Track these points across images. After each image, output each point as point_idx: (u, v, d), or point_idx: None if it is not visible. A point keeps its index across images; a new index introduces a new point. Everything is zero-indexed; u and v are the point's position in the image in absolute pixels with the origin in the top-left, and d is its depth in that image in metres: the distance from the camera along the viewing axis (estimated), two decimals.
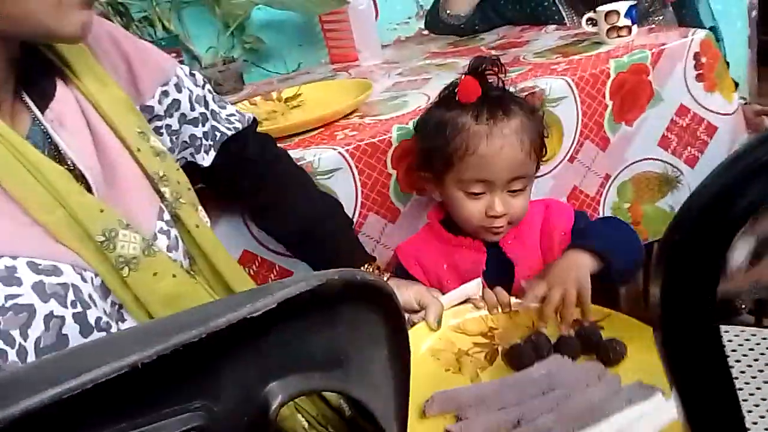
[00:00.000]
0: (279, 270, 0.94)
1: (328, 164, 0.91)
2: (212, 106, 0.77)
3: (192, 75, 0.74)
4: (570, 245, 0.85)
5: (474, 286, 0.86)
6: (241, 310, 0.21)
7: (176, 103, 0.70)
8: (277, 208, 0.83)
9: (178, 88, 0.71)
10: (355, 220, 0.94)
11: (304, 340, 0.25)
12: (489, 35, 1.55)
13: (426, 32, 1.87)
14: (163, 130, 0.70)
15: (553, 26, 1.46)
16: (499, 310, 0.83)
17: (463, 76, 0.87)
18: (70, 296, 0.47)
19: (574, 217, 0.92)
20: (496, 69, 0.87)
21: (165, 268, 0.53)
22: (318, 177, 0.90)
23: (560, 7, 1.54)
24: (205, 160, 0.77)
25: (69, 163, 0.54)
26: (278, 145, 0.89)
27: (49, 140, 0.54)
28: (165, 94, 0.69)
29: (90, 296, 0.49)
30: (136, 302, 0.52)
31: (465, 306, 0.85)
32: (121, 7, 1.41)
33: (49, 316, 0.45)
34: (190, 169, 0.73)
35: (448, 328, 0.81)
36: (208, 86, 0.77)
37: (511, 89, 0.91)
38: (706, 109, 1.11)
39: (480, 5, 1.55)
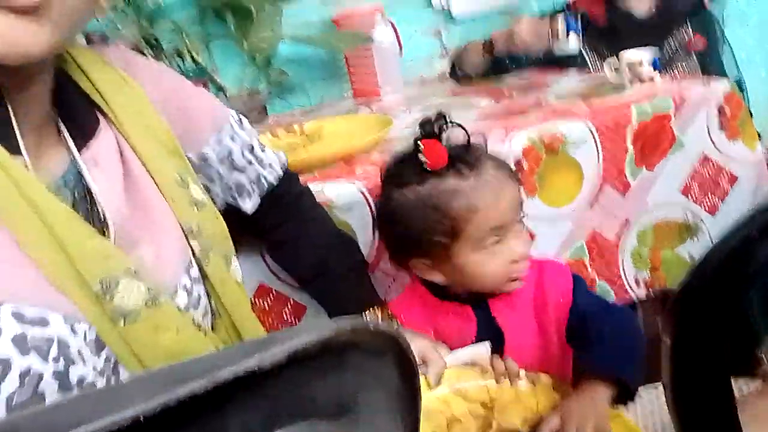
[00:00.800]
0: (293, 304, 0.93)
1: (347, 199, 0.91)
2: (258, 152, 0.77)
3: (240, 121, 0.75)
4: (585, 372, 0.75)
5: (483, 350, 0.78)
6: (249, 361, 0.21)
7: (228, 151, 0.71)
8: (294, 244, 0.83)
9: (231, 136, 0.71)
10: (371, 255, 0.94)
11: (312, 387, 0.25)
12: (511, 77, 1.56)
13: (447, 71, 1.90)
14: (214, 177, 0.71)
15: (574, 69, 1.47)
16: (506, 380, 0.75)
17: (419, 142, 0.77)
18: (53, 351, 0.43)
19: (572, 281, 0.84)
20: (446, 123, 0.78)
21: (168, 322, 0.51)
22: (336, 211, 0.91)
23: (584, 51, 1.55)
24: (248, 205, 0.77)
25: (98, 205, 0.52)
26: (299, 178, 0.90)
27: (83, 181, 0.53)
28: (218, 142, 0.69)
29: (79, 352, 0.45)
30: (133, 357, 0.48)
31: (470, 369, 0.77)
32: (153, 39, 1.45)
33: (25, 372, 0.42)
34: (227, 210, 0.73)
35: (448, 389, 0.74)
36: (255, 132, 0.77)
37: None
38: (728, 157, 1.10)
39: (496, 57, 1.56)
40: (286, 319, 0.94)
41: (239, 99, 1.59)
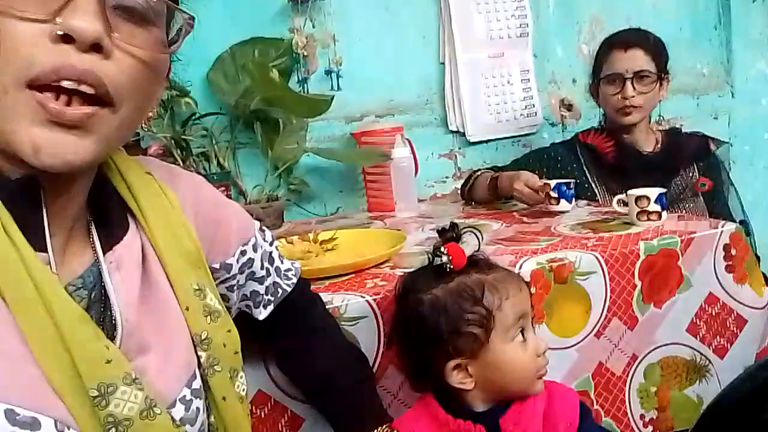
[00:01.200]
0: (290, 416, 0.91)
1: (355, 311, 0.92)
2: (276, 262, 0.78)
3: (263, 231, 0.77)
4: None
5: None
6: None
7: (250, 261, 0.72)
8: (302, 354, 0.82)
9: (255, 247, 0.73)
10: (375, 369, 0.93)
11: None
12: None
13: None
14: (234, 287, 0.72)
15: (584, 201, 1.52)
16: None
17: (443, 247, 0.83)
18: None
19: (579, 407, 0.87)
20: (455, 232, 0.86)
21: None
22: (343, 323, 0.91)
23: (593, 184, 1.61)
24: (262, 314, 0.78)
25: (112, 308, 0.53)
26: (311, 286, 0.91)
27: (102, 282, 0.53)
28: (243, 253, 0.71)
29: None
30: None
31: None
32: (183, 142, 1.53)
33: None
34: (236, 317, 0.72)
35: None
36: (275, 243, 0.80)
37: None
38: (735, 300, 1.10)
39: (561, 161, 1.63)
40: (281, 430, 0.91)
41: (258, 204, 1.64)
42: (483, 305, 0.80)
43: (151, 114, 1.36)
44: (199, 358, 0.57)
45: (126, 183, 0.58)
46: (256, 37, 1.67)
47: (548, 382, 0.92)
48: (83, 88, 0.44)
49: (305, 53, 1.77)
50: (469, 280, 0.82)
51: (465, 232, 0.86)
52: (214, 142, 1.64)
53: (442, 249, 0.83)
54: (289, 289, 0.80)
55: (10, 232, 0.46)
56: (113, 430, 0.47)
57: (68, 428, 0.45)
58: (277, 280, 0.78)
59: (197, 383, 0.57)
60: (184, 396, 0.55)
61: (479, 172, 1.70)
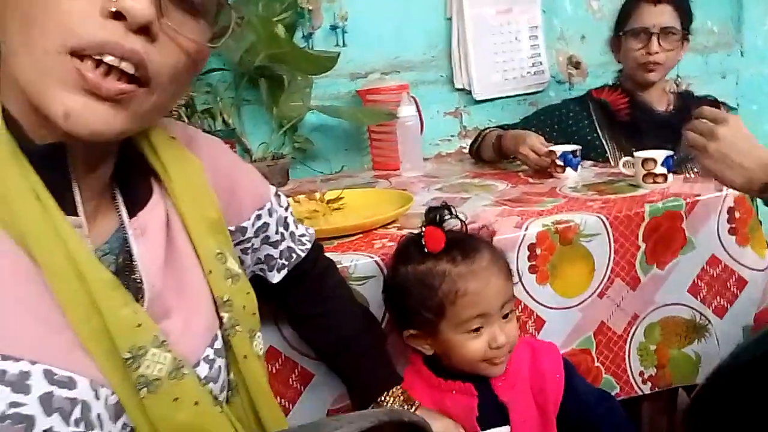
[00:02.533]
0: (300, 371, 0.94)
1: (364, 271, 0.94)
2: (291, 227, 0.79)
3: (278, 196, 0.78)
4: None
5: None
6: None
7: (266, 226, 0.74)
8: (318, 320, 0.84)
9: (270, 212, 0.74)
10: (383, 326, 0.96)
11: None
12: None
13: (467, 150, 1.96)
14: (248, 250, 0.73)
15: (590, 162, 1.52)
16: None
17: (423, 228, 0.87)
18: (76, 413, 0.45)
19: (563, 364, 0.92)
20: (450, 213, 0.88)
21: (188, 395, 0.52)
22: (352, 282, 0.93)
23: (604, 142, 1.61)
24: (275, 278, 0.79)
25: (138, 272, 0.54)
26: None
27: (127, 247, 0.55)
28: (258, 217, 0.72)
29: (98, 416, 0.46)
30: (150, 427, 0.49)
31: None
32: (188, 99, 1.52)
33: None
34: (251, 279, 0.73)
35: None
36: (290, 208, 0.80)
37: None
38: (737, 262, 1.12)
39: (572, 119, 1.62)
40: (291, 384, 0.94)
41: (264, 162, 1.64)
42: (437, 296, 0.83)
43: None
44: (221, 319, 0.59)
45: (152, 147, 0.59)
46: None
47: (529, 338, 0.99)
48: (124, 65, 0.45)
49: (310, 8, 1.73)
50: (437, 267, 0.84)
51: (449, 217, 0.87)
52: (218, 99, 1.63)
53: (415, 234, 0.87)
54: (303, 254, 0.81)
55: (42, 197, 0.47)
56: (144, 389, 0.48)
57: (102, 387, 0.47)
58: (291, 245, 0.79)
59: (219, 343, 0.59)
60: (207, 356, 0.57)
61: (487, 131, 1.69)
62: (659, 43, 1.51)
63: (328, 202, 1.27)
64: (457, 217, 0.88)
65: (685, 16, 1.56)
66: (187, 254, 0.58)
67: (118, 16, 0.44)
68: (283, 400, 0.93)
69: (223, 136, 1.62)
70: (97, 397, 0.46)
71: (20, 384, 0.42)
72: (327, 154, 1.84)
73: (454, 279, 0.83)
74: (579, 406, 0.91)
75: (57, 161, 0.49)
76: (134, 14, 0.44)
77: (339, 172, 1.83)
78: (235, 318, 0.60)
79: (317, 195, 1.29)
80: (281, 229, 0.77)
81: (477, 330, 0.84)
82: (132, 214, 0.56)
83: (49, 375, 0.44)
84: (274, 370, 0.93)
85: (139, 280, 0.54)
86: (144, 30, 0.45)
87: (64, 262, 0.46)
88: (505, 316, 0.86)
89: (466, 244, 0.86)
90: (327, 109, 1.65)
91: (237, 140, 1.68)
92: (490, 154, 1.62)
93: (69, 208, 0.50)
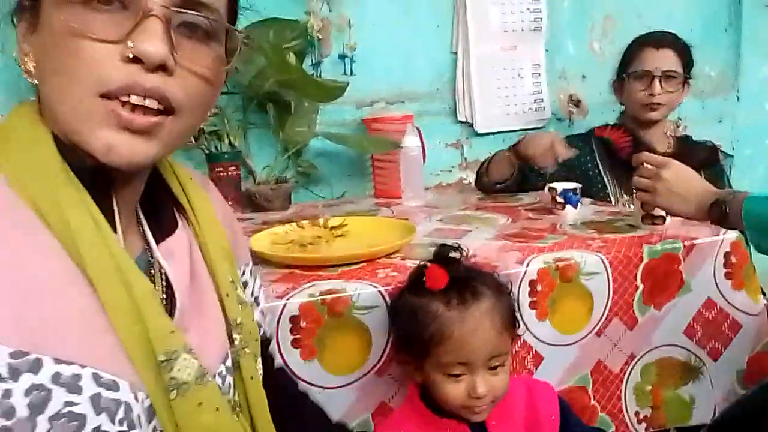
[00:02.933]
0: None
1: (367, 301, 0.95)
2: (262, 304, 0.81)
3: (252, 273, 0.80)
4: None
5: None
6: None
7: (246, 284, 0.76)
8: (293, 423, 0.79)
9: (251, 273, 0.78)
10: (384, 359, 0.97)
11: None
12: (528, 196, 1.64)
13: (467, 181, 1.99)
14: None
15: (589, 200, 1.54)
16: None
17: (429, 263, 0.88)
18: (120, 414, 0.48)
19: (559, 404, 0.93)
20: (459, 254, 0.90)
21: (211, 400, 0.55)
22: (356, 312, 0.94)
23: (605, 178, 1.64)
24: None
25: (171, 288, 0.58)
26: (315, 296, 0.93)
27: (150, 269, 0.58)
28: (243, 272, 0.75)
29: (138, 417, 0.50)
30: (175, 430, 0.52)
31: None
32: None
33: (96, 430, 0.46)
34: None
35: None
36: (263, 288, 0.83)
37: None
38: (732, 305, 1.14)
39: (522, 168, 1.63)
40: None
41: (267, 185, 1.66)
42: (425, 334, 0.85)
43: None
44: (233, 340, 0.62)
45: (180, 182, 0.64)
46: (272, 18, 1.67)
47: (525, 378, 1.00)
48: (148, 102, 0.50)
49: (320, 37, 1.77)
50: (431, 305, 0.86)
51: (453, 254, 0.91)
52: (225, 121, 1.65)
53: (426, 266, 0.89)
54: (267, 336, 0.81)
55: (91, 211, 0.51)
56: (174, 392, 0.52)
57: (139, 391, 0.50)
58: (260, 317, 0.79)
59: (229, 362, 0.61)
60: (221, 371, 0.60)
61: (495, 152, 1.71)
62: (661, 86, 1.56)
63: (332, 228, 1.29)
64: (472, 264, 0.91)
65: (686, 61, 1.62)
66: (206, 279, 0.62)
67: (135, 60, 0.49)
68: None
69: (228, 158, 1.64)
70: (137, 399, 0.50)
71: (73, 385, 0.46)
72: (330, 180, 1.86)
73: (443, 322, 0.84)
74: None
75: (101, 182, 0.53)
76: (149, 57, 0.49)
77: (341, 197, 1.85)
78: (245, 340, 0.64)
79: (321, 221, 1.31)
80: (254, 296, 0.78)
81: (458, 376, 0.85)
82: (159, 239, 0.59)
83: (96, 378, 0.47)
84: None
85: (164, 298, 0.57)
86: (161, 67, 0.50)
87: (112, 270, 0.50)
88: (493, 368, 0.86)
89: (467, 289, 0.86)
90: (333, 136, 1.68)
91: (242, 162, 1.70)
92: (502, 170, 1.62)
93: (111, 225, 0.53)
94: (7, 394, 0.43)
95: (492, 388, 0.86)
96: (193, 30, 0.52)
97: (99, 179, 0.53)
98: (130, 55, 0.48)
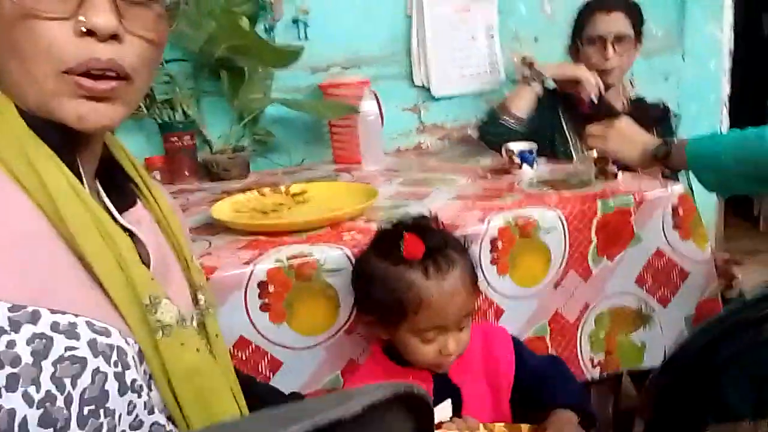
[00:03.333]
0: (270, 358, 0.96)
1: (334, 263, 0.96)
2: None
3: None
4: (556, 404, 0.94)
5: (446, 408, 0.89)
6: (338, 410, 0.26)
7: None
8: None
9: None
10: (352, 317, 0.99)
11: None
12: (484, 158, 1.67)
13: (425, 145, 2.01)
14: None
15: (544, 159, 1.58)
16: None
17: (404, 233, 0.89)
18: (114, 356, 0.51)
19: (513, 344, 0.99)
20: (435, 224, 0.94)
21: (192, 341, 0.59)
22: (324, 274, 0.96)
23: (567, 134, 1.69)
24: None
25: (144, 247, 0.60)
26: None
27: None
28: None
29: (133, 358, 0.53)
30: (162, 370, 0.56)
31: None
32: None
33: (96, 371, 0.50)
34: None
35: None
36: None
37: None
38: (680, 255, 1.20)
39: (539, 110, 1.68)
40: (261, 371, 0.97)
41: (224, 154, 1.64)
42: (402, 302, 0.87)
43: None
44: (198, 301, 0.66)
45: (132, 163, 0.68)
46: None
47: (483, 325, 1.05)
48: (108, 73, 0.54)
49: (271, 0, 1.74)
50: (408, 275, 0.88)
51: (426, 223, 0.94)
52: (177, 89, 1.62)
53: (404, 235, 0.89)
54: None
55: (64, 171, 0.53)
56: (160, 332, 0.55)
57: (128, 337, 0.54)
58: None
59: (195, 323, 0.64)
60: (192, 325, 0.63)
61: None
62: (614, 49, 1.59)
63: (293, 195, 1.29)
64: (442, 230, 0.94)
65: (637, 22, 1.65)
66: (167, 249, 0.66)
67: (89, 32, 0.52)
68: None
69: (183, 128, 1.61)
70: (127, 344, 0.53)
71: (71, 332, 0.49)
72: (287, 147, 1.84)
73: (422, 291, 0.87)
74: (532, 376, 0.97)
75: (66, 146, 0.56)
76: (101, 30, 0.52)
77: (300, 164, 1.84)
78: (208, 301, 0.68)
79: (282, 188, 1.31)
80: None
81: (432, 337, 0.90)
82: (120, 210, 0.61)
83: (90, 325, 0.51)
84: (244, 357, 0.95)
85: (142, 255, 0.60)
86: (113, 37, 0.53)
87: (91, 224, 0.53)
88: (461, 328, 0.91)
89: (442, 258, 0.89)
90: (289, 102, 1.66)
91: (197, 131, 1.67)
92: (526, 105, 1.65)
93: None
94: (11, 344, 0.46)
95: (460, 344, 0.91)
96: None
97: (64, 144, 0.56)
98: (84, 29, 0.51)
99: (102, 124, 0.55)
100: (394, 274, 0.88)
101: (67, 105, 0.53)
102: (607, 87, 1.66)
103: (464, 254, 0.93)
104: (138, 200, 0.66)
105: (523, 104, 1.65)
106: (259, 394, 0.83)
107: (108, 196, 0.62)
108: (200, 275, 0.69)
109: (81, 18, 0.51)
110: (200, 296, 0.66)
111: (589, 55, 1.64)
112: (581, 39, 1.66)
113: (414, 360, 0.92)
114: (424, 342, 0.90)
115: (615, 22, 1.61)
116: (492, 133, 1.66)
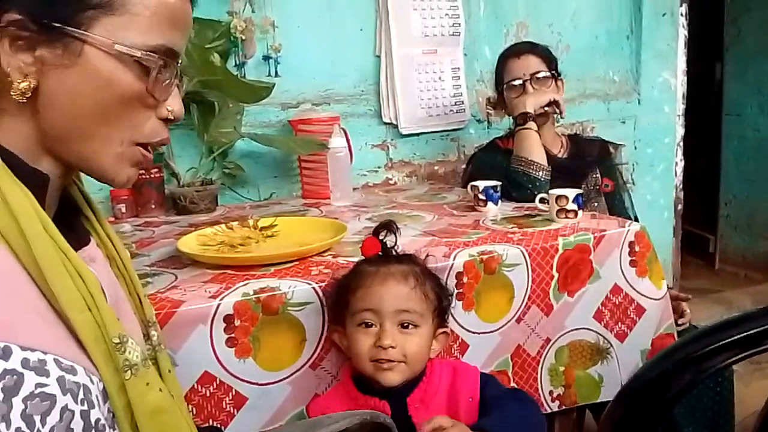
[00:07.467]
0: (235, 394, 0.96)
1: (302, 297, 0.97)
2: None
3: None
4: (477, 425, 0.90)
5: None
6: None
7: None
8: None
9: None
10: (318, 351, 1.00)
11: None
12: (450, 195, 1.71)
13: (393, 181, 2.04)
14: None
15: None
16: None
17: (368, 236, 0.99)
18: (81, 394, 0.51)
19: (480, 379, 0.99)
20: (394, 232, 1.00)
21: (155, 381, 0.60)
22: (290, 308, 0.96)
23: None
24: None
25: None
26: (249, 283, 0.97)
27: None
28: None
29: (96, 398, 0.54)
30: (126, 410, 0.56)
31: None
32: None
33: (64, 409, 0.49)
34: None
35: None
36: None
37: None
38: (636, 291, 1.24)
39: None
40: (225, 407, 0.96)
41: (192, 187, 1.64)
42: (347, 287, 0.95)
43: None
44: (152, 337, 0.68)
45: (89, 204, 0.70)
46: (194, 17, 1.64)
47: (454, 361, 1.06)
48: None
49: (243, 37, 1.77)
50: (358, 267, 0.97)
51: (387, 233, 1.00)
52: None
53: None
54: None
55: (36, 209, 0.54)
56: (128, 372, 0.56)
57: (93, 375, 0.54)
58: None
59: (149, 358, 0.66)
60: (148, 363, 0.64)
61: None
62: (533, 87, 1.65)
63: (261, 229, 1.29)
64: (394, 234, 1.00)
65: (550, 60, 1.70)
66: (120, 286, 0.68)
67: (168, 120, 0.61)
68: (215, 422, 0.94)
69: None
70: (92, 382, 0.53)
71: (41, 369, 0.49)
72: (256, 181, 1.86)
73: (362, 274, 0.95)
74: (486, 405, 0.95)
75: (36, 186, 0.57)
76: (179, 119, 0.62)
77: (268, 199, 1.85)
78: (159, 337, 0.69)
79: (250, 221, 1.31)
80: None
81: (369, 326, 0.93)
82: (75, 248, 0.62)
83: (58, 363, 0.51)
84: (208, 393, 0.94)
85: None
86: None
87: (60, 262, 0.54)
88: (405, 327, 0.93)
89: (392, 255, 0.98)
90: (260, 137, 1.68)
91: (164, 164, 1.67)
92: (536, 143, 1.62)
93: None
94: None
95: (400, 347, 0.92)
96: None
97: (42, 186, 0.58)
98: (170, 116, 0.61)
99: (129, 184, 0.63)
100: (350, 270, 0.98)
101: (126, 169, 0.61)
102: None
103: (419, 265, 0.98)
104: (90, 238, 0.67)
105: (536, 149, 1.61)
106: None
107: (63, 235, 0.62)
108: (151, 311, 0.71)
109: (169, 107, 0.61)
110: (152, 332, 0.68)
111: (512, 98, 1.67)
112: (502, 88, 1.71)
113: (357, 355, 0.94)
114: (362, 330, 0.93)
115: (527, 64, 1.66)
116: (529, 188, 1.56)
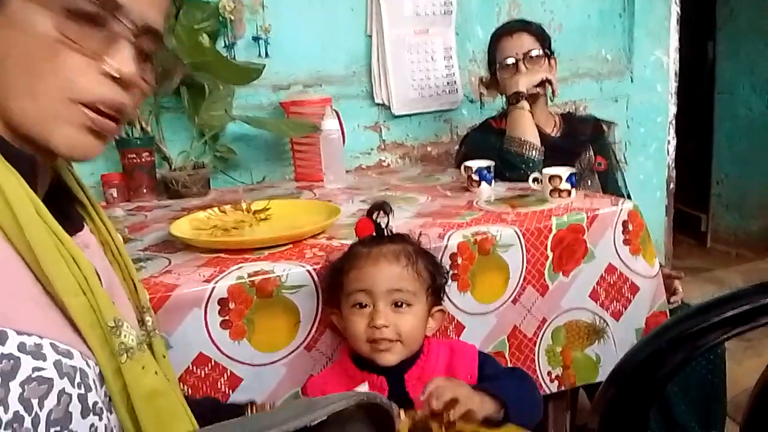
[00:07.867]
0: (229, 375, 0.96)
1: (296, 280, 0.97)
2: None
3: None
4: (474, 387, 0.90)
5: (364, 387, 0.92)
6: (304, 419, 0.27)
7: None
8: None
9: None
10: (312, 335, 0.99)
11: None
12: (444, 176, 1.71)
13: (386, 163, 2.03)
14: None
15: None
16: None
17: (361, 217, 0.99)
18: (78, 378, 0.52)
19: (478, 358, 0.99)
20: (387, 212, 0.99)
21: (150, 364, 0.60)
22: (285, 291, 0.96)
23: None
24: None
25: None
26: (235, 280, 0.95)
27: None
28: None
29: (93, 381, 0.54)
30: (122, 393, 0.56)
31: None
32: None
33: (62, 392, 0.50)
34: None
35: None
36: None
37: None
38: (630, 270, 1.25)
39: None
40: (220, 388, 0.96)
41: (184, 171, 1.63)
42: (342, 269, 0.95)
43: None
44: (146, 322, 0.68)
45: (80, 185, 0.68)
46: None
47: (451, 341, 1.07)
48: (112, 112, 0.56)
49: (232, 18, 1.74)
50: (353, 248, 0.97)
51: (380, 214, 0.99)
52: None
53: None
54: None
55: (28, 193, 0.53)
56: (124, 355, 0.56)
57: (89, 359, 0.54)
58: None
59: (144, 343, 0.65)
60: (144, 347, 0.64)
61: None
62: (526, 67, 1.63)
63: (255, 212, 1.28)
64: (387, 215, 0.99)
65: (543, 38, 1.68)
66: (114, 271, 0.68)
67: (111, 75, 0.55)
68: None
69: (141, 144, 1.59)
70: (89, 366, 0.54)
71: (38, 353, 0.49)
72: (248, 164, 1.84)
73: (354, 255, 0.95)
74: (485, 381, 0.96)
75: (28, 168, 0.56)
76: (126, 77, 0.55)
77: (261, 182, 1.84)
78: (154, 322, 0.69)
79: (243, 205, 1.30)
80: None
81: (363, 306, 0.93)
82: (69, 233, 0.61)
83: (54, 347, 0.51)
84: (203, 374, 0.95)
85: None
86: (126, 84, 0.56)
87: (54, 247, 0.53)
88: (398, 306, 0.93)
89: (385, 236, 0.98)
90: (251, 120, 1.66)
91: (156, 148, 1.66)
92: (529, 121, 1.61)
93: None
94: None
95: (394, 326, 0.92)
96: (145, 54, 0.59)
97: (31, 169, 0.56)
98: (112, 72, 0.55)
99: (87, 157, 0.57)
100: (345, 252, 0.98)
101: (65, 131, 0.55)
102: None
103: (412, 244, 0.98)
104: (84, 224, 0.66)
105: (529, 129, 1.60)
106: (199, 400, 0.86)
107: (57, 221, 0.61)
108: (145, 296, 0.71)
109: (109, 61, 0.54)
110: (147, 318, 0.68)
111: (505, 78, 1.65)
112: (495, 67, 1.69)
113: (355, 343, 0.94)
114: (356, 311, 0.93)
115: (521, 43, 1.65)
116: (523, 168, 1.55)
